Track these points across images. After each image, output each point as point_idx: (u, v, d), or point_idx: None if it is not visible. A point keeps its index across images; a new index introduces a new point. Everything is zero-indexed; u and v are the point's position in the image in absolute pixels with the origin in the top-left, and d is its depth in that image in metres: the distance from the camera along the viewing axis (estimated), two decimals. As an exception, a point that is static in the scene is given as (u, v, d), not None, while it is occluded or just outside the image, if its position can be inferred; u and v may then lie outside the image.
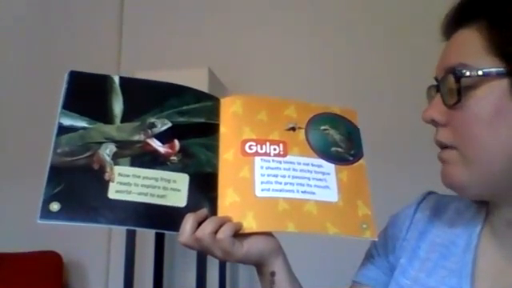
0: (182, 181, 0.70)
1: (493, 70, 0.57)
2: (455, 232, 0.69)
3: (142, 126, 0.71)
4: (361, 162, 0.76)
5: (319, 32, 2.16)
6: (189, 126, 0.73)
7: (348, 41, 2.13)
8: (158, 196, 0.67)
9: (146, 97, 0.73)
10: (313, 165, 0.74)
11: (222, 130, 0.75)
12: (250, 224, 0.68)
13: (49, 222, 0.62)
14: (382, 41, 2.08)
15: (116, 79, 0.73)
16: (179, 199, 0.68)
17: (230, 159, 0.73)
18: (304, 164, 0.74)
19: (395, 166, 1.93)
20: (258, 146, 0.73)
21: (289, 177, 0.72)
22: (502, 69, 0.57)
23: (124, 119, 0.71)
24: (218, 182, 0.72)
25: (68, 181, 0.65)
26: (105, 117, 0.70)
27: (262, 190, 0.70)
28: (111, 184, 0.66)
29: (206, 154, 0.72)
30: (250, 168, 0.72)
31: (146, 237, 2.07)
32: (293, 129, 0.76)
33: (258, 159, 0.72)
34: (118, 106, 0.71)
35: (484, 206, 0.68)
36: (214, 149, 0.73)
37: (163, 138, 0.71)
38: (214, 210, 0.69)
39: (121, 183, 0.67)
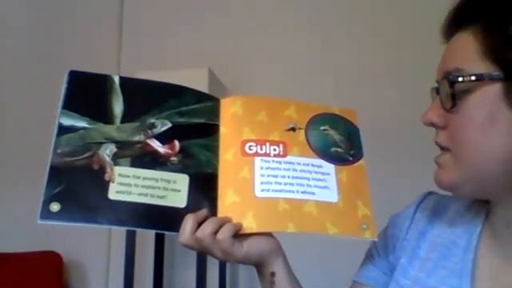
0: (182, 181, 0.70)
1: (486, 74, 0.57)
2: (455, 232, 0.69)
3: (142, 127, 0.71)
4: (360, 162, 0.76)
5: (319, 32, 2.16)
6: (189, 127, 0.73)
7: (348, 41, 2.13)
8: (158, 196, 0.67)
9: (146, 97, 0.73)
10: (313, 165, 0.74)
11: (222, 130, 0.75)
12: (249, 224, 0.68)
13: (49, 223, 0.62)
14: (382, 41, 2.08)
15: (116, 79, 0.73)
16: (179, 200, 0.68)
17: (229, 159, 0.73)
18: (304, 164, 0.74)
19: (395, 166, 1.93)
20: (258, 147, 0.73)
21: (289, 177, 0.72)
22: (495, 73, 0.57)
23: (124, 119, 0.71)
24: (217, 182, 0.72)
25: (68, 181, 0.65)
26: (105, 117, 0.70)
27: (262, 190, 0.70)
28: (111, 184, 0.66)
29: (206, 155, 0.72)
30: (249, 168, 0.72)
31: (146, 237, 2.07)
32: (293, 129, 0.76)
33: (257, 159, 0.73)
34: (118, 106, 0.71)
35: (484, 207, 0.68)
36: (213, 149, 0.73)
37: (163, 138, 0.71)
38: (213, 211, 0.69)
39: (121, 184, 0.67)
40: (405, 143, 1.95)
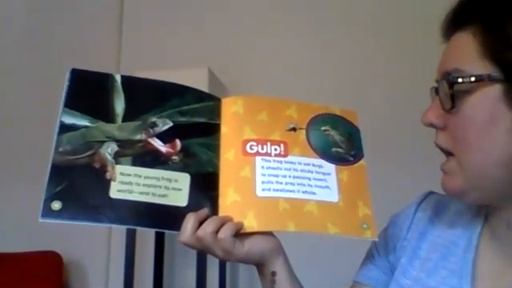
0: (184, 180, 0.70)
1: (485, 75, 0.57)
2: (456, 232, 0.69)
3: (144, 126, 0.71)
4: (361, 162, 0.77)
5: (319, 32, 2.16)
6: (190, 126, 0.73)
7: (348, 41, 2.13)
8: (160, 195, 0.67)
9: (148, 96, 0.73)
10: (313, 165, 0.74)
11: (223, 129, 0.75)
12: (250, 223, 0.68)
13: (50, 221, 0.62)
14: (382, 40, 2.08)
15: (118, 78, 0.73)
16: (180, 199, 0.68)
17: (230, 159, 0.73)
18: (305, 164, 0.74)
19: (395, 166, 1.93)
20: (259, 146, 0.73)
21: (289, 177, 0.72)
22: (494, 74, 0.56)
23: (125, 118, 0.71)
24: (218, 181, 0.72)
25: (69, 179, 0.65)
26: (106, 116, 0.70)
27: (263, 189, 0.71)
28: (113, 183, 0.66)
29: (207, 154, 0.72)
30: (250, 168, 0.72)
31: (146, 237, 2.07)
32: (293, 129, 0.76)
33: (258, 159, 0.73)
34: (119, 105, 0.71)
35: (484, 207, 0.68)
36: (215, 148, 0.73)
37: (164, 137, 0.71)
38: (214, 210, 0.69)
39: (122, 182, 0.67)
40: (405, 143, 1.95)
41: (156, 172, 0.69)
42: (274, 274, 0.71)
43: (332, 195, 0.73)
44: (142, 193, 0.67)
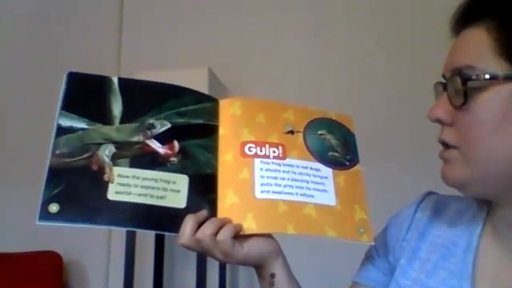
0: (182, 182, 0.69)
1: (500, 73, 0.56)
2: (455, 232, 0.69)
3: (141, 127, 0.71)
4: (357, 167, 0.77)
5: (319, 32, 2.16)
6: (188, 127, 0.73)
7: (348, 41, 2.12)
8: (158, 197, 0.67)
9: (145, 98, 0.73)
10: (311, 168, 0.74)
11: (221, 131, 0.75)
12: (249, 226, 0.68)
13: (48, 224, 0.62)
14: (382, 40, 2.08)
15: (115, 80, 0.73)
16: (179, 200, 0.68)
17: (229, 161, 0.73)
18: (303, 167, 0.74)
19: (395, 166, 1.93)
20: (258, 148, 0.73)
21: (288, 179, 0.72)
22: (509, 72, 0.56)
23: (123, 120, 0.71)
24: (217, 183, 0.71)
25: (67, 182, 0.65)
26: (104, 118, 0.70)
27: (262, 191, 0.70)
28: (110, 185, 0.66)
29: (206, 155, 0.72)
30: (249, 170, 0.72)
31: (146, 237, 2.07)
32: (291, 132, 0.76)
33: (257, 161, 0.72)
34: (116, 107, 0.71)
35: (484, 207, 0.68)
36: (213, 150, 0.73)
37: (162, 139, 0.71)
38: (213, 212, 0.69)
39: (120, 184, 0.66)
40: (405, 143, 1.95)
41: (154, 174, 0.68)
42: (272, 275, 0.71)
43: (330, 199, 0.73)
44: (140, 194, 0.66)
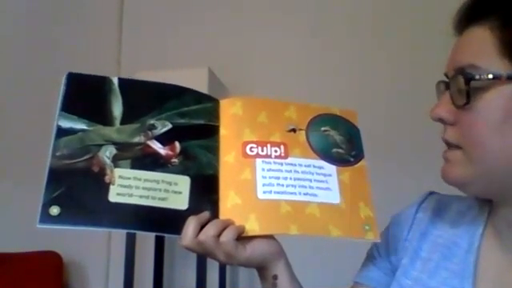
0: (183, 183, 0.69)
1: (503, 73, 0.56)
2: (457, 233, 0.69)
3: (142, 128, 0.70)
4: (362, 163, 0.76)
5: (319, 32, 2.16)
6: (189, 128, 0.72)
7: (348, 41, 2.12)
8: (160, 199, 0.67)
9: (146, 98, 0.72)
10: (314, 166, 0.74)
11: (222, 131, 0.74)
12: (252, 227, 0.68)
13: (49, 227, 0.61)
14: (382, 40, 2.07)
15: (115, 80, 0.72)
16: (180, 202, 0.68)
17: (230, 161, 0.72)
18: (305, 166, 0.73)
19: (396, 166, 1.93)
20: (259, 148, 0.73)
21: (290, 179, 0.72)
22: None
23: (123, 121, 0.70)
24: (219, 184, 0.71)
25: (68, 184, 0.64)
26: (104, 119, 0.69)
27: (264, 192, 0.70)
28: (112, 187, 0.65)
29: (207, 156, 0.72)
30: (251, 170, 0.71)
31: (146, 237, 2.06)
32: (293, 130, 0.76)
33: (259, 161, 0.72)
34: (117, 108, 0.71)
35: (486, 207, 0.68)
36: (214, 151, 0.73)
37: (163, 139, 0.70)
38: (215, 213, 0.69)
39: (122, 186, 0.66)
40: (405, 143, 1.95)
41: (155, 175, 0.68)
42: (275, 277, 0.70)
43: (333, 197, 0.72)
44: (141, 196, 0.66)
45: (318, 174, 0.73)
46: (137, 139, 0.69)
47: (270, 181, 0.71)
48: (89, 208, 0.64)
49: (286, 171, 0.72)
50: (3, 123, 2.23)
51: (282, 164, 0.72)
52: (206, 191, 0.70)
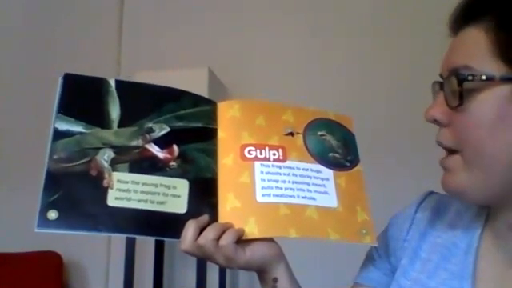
0: (182, 187, 0.69)
1: (496, 74, 0.56)
2: (456, 233, 0.69)
3: (140, 131, 0.69)
4: (358, 168, 0.76)
5: (319, 32, 2.15)
6: (187, 131, 0.72)
7: (348, 41, 2.12)
8: (158, 202, 0.66)
9: (143, 101, 0.72)
10: (312, 170, 0.74)
11: (221, 134, 0.74)
12: (252, 230, 0.68)
13: (47, 231, 0.61)
14: (381, 41, 2.07)
15: (112, 82, 0.71)
16: (179, 205, 0.67)
17: (229, 164, 0.72)
18: (303, 169, 0.73)
19: (395, 166, 1.93)
20: (258, 151, 0.73)
21: (289, 182, 0.72)
22: (507, 75, 0.55)
23: (121, 124, 0.69)
24: (217, 187, 0.70)
25: (65, 188, 0.63)
26: (102, 121, 0.69)
27: (263, 195, 0.70)
28: (110, 191, 0.65)
29: (205, 159, 0.71)
30: (250, 173, 0.71)
31: (146, 237, 2.06)
32: (291, 134, 0.76)
33: (257, 164, 0.72)
34: (115, 111, 0.70)
35: (485, 208, 0.67)
36: (212, 154, 0.72)
37: (161, 143, 0.70)
38: (214, 216, 0.68)
39: (120, 190, 0.65)
40: (405, 143, 1.95)
41: (154, 179, 0.67)
42: (275, 280, 0.70)
43: (331, 200, 0.72)
44: (140, 200, 0.65)
45: (315, 177, 0.73)
46: (135, 142, 0.69)
47: (269, 184, 0.71)
48: (87, 212, 0.63)
49: (285, 174, 0.72)
50: (2, 124, 2.23)
51: (280, 167, 0.72)
52: (204, 194, 0.69)
